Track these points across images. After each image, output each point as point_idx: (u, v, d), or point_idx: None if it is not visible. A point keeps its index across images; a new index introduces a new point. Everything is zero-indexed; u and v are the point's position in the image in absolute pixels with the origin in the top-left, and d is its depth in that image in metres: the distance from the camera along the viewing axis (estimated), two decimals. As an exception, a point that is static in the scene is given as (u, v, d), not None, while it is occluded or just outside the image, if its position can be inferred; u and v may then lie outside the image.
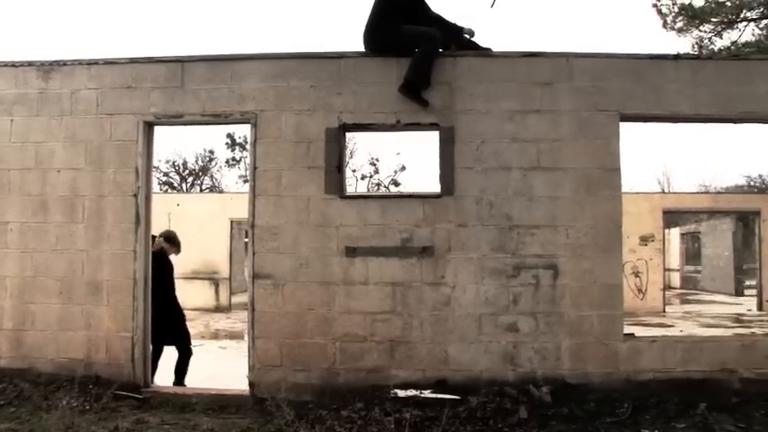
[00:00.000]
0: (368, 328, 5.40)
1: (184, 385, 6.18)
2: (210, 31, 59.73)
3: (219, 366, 7.27)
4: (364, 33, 5.62)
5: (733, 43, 15.26)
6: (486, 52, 5.67)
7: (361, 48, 5.70)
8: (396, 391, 5.26)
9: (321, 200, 5.48)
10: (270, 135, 5.56)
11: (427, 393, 5.22)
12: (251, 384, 5.44)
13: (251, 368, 5.48)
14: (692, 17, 15.21)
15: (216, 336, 10.45)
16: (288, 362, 5.42)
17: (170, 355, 6.34)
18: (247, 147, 8.56)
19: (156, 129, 5.88)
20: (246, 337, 5.65)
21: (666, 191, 33.22)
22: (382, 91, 5.50)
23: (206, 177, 38.91)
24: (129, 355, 5.52)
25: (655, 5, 15.74)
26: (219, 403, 5.34)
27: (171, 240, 6.56)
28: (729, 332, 9.03)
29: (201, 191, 35.85)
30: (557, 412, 4.96)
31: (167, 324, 6.18)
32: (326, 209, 5.47)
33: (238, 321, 13.17)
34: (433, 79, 5.46)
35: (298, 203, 5.49)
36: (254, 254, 5.54)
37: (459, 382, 5.31)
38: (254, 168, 5.58)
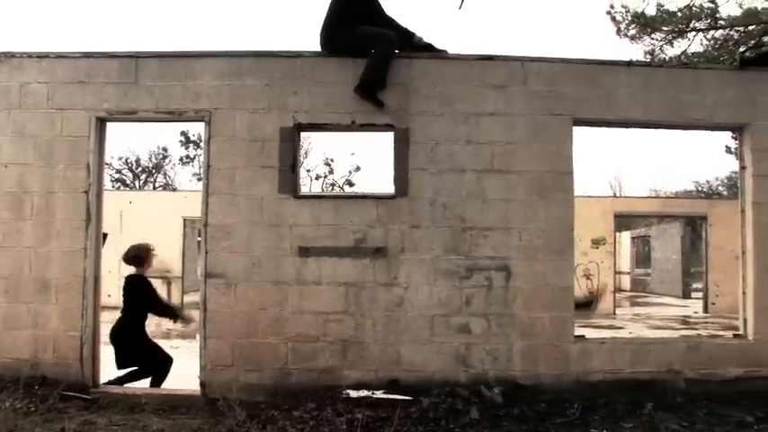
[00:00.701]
0: (320, 328, 5.40)
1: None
2: (166, 27, 59.08)
3: (171, 366, 7.17)
4: (320, 33, 5.63)
5: (683, 52, 15.71)
6: (441, 54, 5.69)
7: (318, 47, 5.69)
8: (348, 391, 5.29)
9: (275, 199, 5.46)
10: (224, 133, 5.53)
11: (379, 394, 5.25)
12: (202, 384, 5.40)
13: (202, 368, 5.44)
14: (645, 25, 15.61)
15: (167, 335, 10.30)
16: (240, 362, 5.40)
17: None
18: (202, 145, 8.49)
19: (109, 125, 5.79)
20: (198, 337, 5.59)
21: (618, 195, 34.09)
22: (338, 91, 5.50)
23: (159, 175, 38.71)
24: (77, 354, 5.44)
25: (609, 13, 16.09)
26: (170, 403, 5.29)
27: (135, 259, 6.15)
28: (676, 334, 9.26)
29: (155, 188, 35.54)
30: (508, 413, 5.03)
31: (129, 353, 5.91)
32: (280, 208, 5.46)
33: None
34: (389, 80, 5.48)
35: (251, 203, 5.47)
36: (206, 253, 5.50)
37: (412, 382, 5.34)
38: (208, 167, 5.54)
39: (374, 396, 5.23)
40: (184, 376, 5.78)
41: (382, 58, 5.40)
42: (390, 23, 5.65)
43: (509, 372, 5.43)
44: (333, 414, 4.90)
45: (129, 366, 5.92)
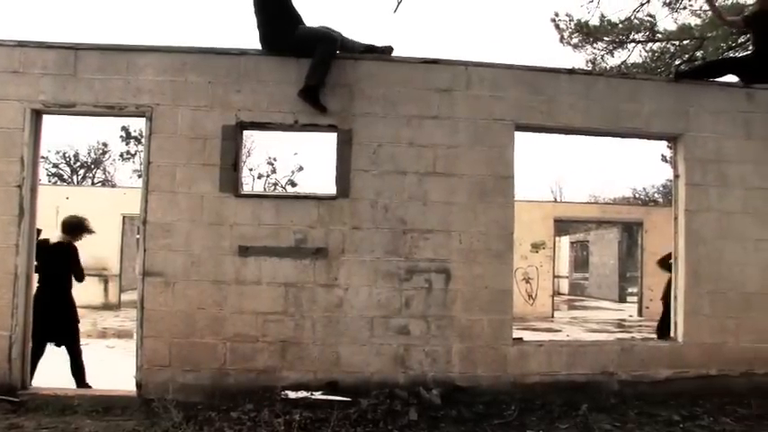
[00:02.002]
0: (260, 328, 5.41)
1: (89, 386, 6.06)
2: (108, 20, 57.57)
3: (106, 366, 7.09)
4: (259, 32, 5.63)
5: (623, 62, 16.31)
6: (386, 57, 5.76)
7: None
8: (286, 392, 5.30)
9: (216, 198, 5.45)
10: (165, 130, 5.48)
11: (318, 395, 5.28)
12: (138, 385, 5.34)
13: (139, 368, 5.38)
14: (587, 34, 16.06)
15: (104, 335, 10.18)
16: (177, 362, 5.36)
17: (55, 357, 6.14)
18: (143, 141, 8.38)
19: (46, 118, 5.67)
20: (135, 337, 5.54)
21: (558, 200, 35.73)
22: (282, 90, 5.51)
23: (98, 171, 37.91)
24: (5, 355, 5.30)
25: (553, 20, 16.50)
26: (104, 405, 5.21)
27: (77, 228, 6.42)
28: (611, 337, 9.57)
29: (93, 184, 34.66)
30: (446, 414, 5.13)
31: (58, 321, 6.02)
32: (221, 207, 5.45)
33: (127, 320, 12.94)
34: (334, 81, 5.52)
35: (192, 201, 5.44)
36: (145, 251, 5.44)
37: (351, 383, 5.39)
38: (148, 163, 5.48)
39: (313, 397, 5.25)
40: (120, 376, 5.72)
41: (325, 59, 5.44)
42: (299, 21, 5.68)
43: (448, 373, 5.53)
44: (271, 415, 4.90)
45: (52, 337, 6.02)
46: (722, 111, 6.04)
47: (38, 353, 5.86)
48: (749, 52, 7.26)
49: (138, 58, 5.55)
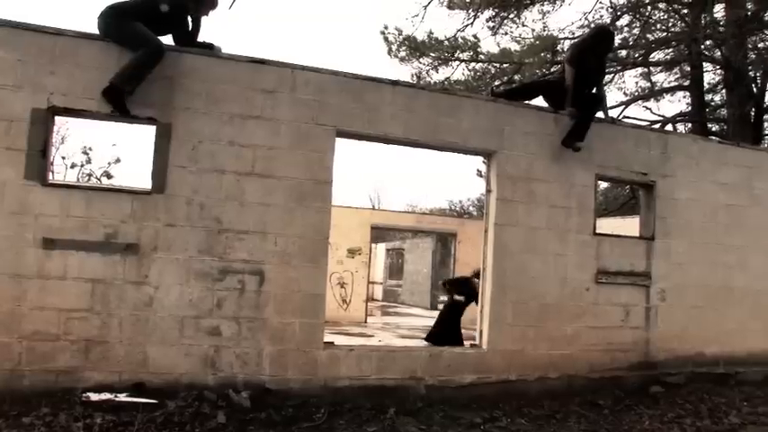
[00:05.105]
0: (62, 326, 6.53)
1: None
2: None
3: None
4: (98, 17, 6.79)
5: (446, 79, 21.03)
6: (212, 52, 7.30)
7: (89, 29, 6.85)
8: (88, 394, 6.29)
9: (20, 185, 6.51)
10: (-36, 108, 6.48)
11: (123, 397, 6.32)
12: None
13: None
14: (414, 49, 20.77)
15: None
16: (-36, 363, 6.32)
17: None
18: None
19: None
20: None
21: (376, 207, 42.33)
22: (101, 78, 6.63)
23: None
24: None
25: (382, 33, 20.96)
26: None
27: None
28: (421, 343, 11.68)
29: None
30: (255, 417, 6.49)
31: None
32: (25, 195, 6.51)
33: None
34: (156, 72, 6.80)
35: (-8, 187, 6.50)
36: (-67, 240, 6.42)
37: (158, 385, 6.67)
38: (-61, 143, 6.44)
39: (117, 399, 6.27)
40: None
41: (141, 65, 6.73)
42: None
43: (258, 376, 7.12)
44: (69, 419, 5.77)
45: None
46: (533, 132, 8.45)
47: None
48: (558, 76, 9.89)
49: (-67, 26, 6.55)
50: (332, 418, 6.77)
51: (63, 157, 31.26)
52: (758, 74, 19.53)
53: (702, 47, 19.27)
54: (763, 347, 9.90)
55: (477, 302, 11.19)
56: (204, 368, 6.95)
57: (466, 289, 11.79)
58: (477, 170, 26.29)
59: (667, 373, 9.07)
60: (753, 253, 9.92)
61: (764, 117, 20.53)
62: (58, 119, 7.04)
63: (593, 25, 18.99)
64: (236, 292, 7.09)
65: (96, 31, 6.84)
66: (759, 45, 19.44)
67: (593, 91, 9.04)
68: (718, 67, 20.73)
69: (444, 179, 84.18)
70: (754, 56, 19.12)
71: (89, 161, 33.31)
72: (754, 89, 19.42)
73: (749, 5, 18.54)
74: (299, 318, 7.29)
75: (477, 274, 10.98)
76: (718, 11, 19.47)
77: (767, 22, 18.38)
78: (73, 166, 32.66)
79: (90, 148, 33.04)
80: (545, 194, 8.40)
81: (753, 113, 19.32)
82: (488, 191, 8.39)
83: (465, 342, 9.81)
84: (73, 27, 6.82)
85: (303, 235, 7.33)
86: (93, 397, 6.30)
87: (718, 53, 19.29)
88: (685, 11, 19.82)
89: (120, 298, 6.75)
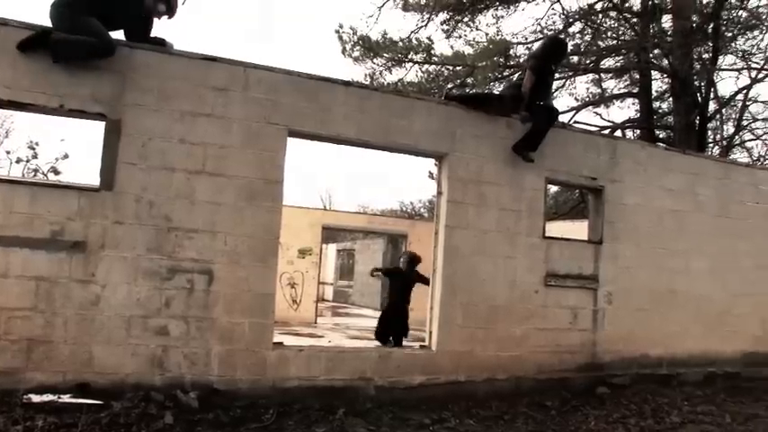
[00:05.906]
0: (3, 325, 6.43)
1: None
2: None
3: None
4: (51, 5, 6.71)
5: (399, 80, 21.33)
6: (163, 48, 7.26)
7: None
8: (30, 395, 6.19)
9: (-39, 181, 6.48)
10: None
11: (66, 398, 6.27)
12: None
13: None
14: (368, 49, 20.91)
15: None
16: None
17: None
18: None
19: None
20: None
21: (327, 208, 42.66)
22: (48, 70, 6.62)
23: None
24: None
25: (337, 32, 21.13)
26: None
27: None
28: (371, 344, 11.83)
29: None
30: (203, 418, 6.50)
31: None
32: (-34, 192, 6.46)
33: None
34: (105, 66, 6.77)
35: (-71, 183, 6.41)
36: None
37: (104, 385, 6.62)
38: None
39: (60, 400, 6.22)
40: None
41: (85, 47, 6.64)
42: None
43: (206, 376, 7.12)
44: (8, 422, 5.64)
45: None
46: (485, 135, 8.56)
47: None
48: (507, 90, 10.08)
49: None
50: (281, 419, 6.80)
51: (8, 152, 30.83)
52: (702, 83, 20.14)
53: (651, 55, 19.91)
54: (703, 349, 10.25)
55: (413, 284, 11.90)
56: (151, 368, 6.92)
57: (400, 277, 12.23)
58: (429, 172, 26.81)
59: (613, 374, 9.31)
60: (695, 258, 10.24)
61: (708, 126, 21.29)
62: (1, 111, 6.94)
63: (545, 31, 19.60)
64: (185, 292, 7.07)
65: (43, 22, 6.73)
66: (704, 56, 20.05)
67: (547, 101, 9.17)
68: (665, 75, 21.42)
69: (396, 181, 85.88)
70: (698, 66, 19.72)
71: (35, 156, 32.91)
72: (699, 98, 19.99)
73: (694, 18, 19.16)
74: (249, 318, 7.30)
75: (412, 259, 11.35)
76: (666, 21, 20.21)
77: (710, 34, 18.97)
78: (18, 161, 32.24)
79: (37, 143, 32.61)
80: (496, 197, 8.53)
81: (698, 122, 19.87)
82: (439, 193, 8.49)
83: (414, 343, 9.90)
84: (20, 18, 6.71)
85: (253, 234, 7.34)
86: (35, 398, 6.22)
87: (666, 62, 19.86)
88: (635, 20, 20.46)
89: (66, 297, 6.68)
